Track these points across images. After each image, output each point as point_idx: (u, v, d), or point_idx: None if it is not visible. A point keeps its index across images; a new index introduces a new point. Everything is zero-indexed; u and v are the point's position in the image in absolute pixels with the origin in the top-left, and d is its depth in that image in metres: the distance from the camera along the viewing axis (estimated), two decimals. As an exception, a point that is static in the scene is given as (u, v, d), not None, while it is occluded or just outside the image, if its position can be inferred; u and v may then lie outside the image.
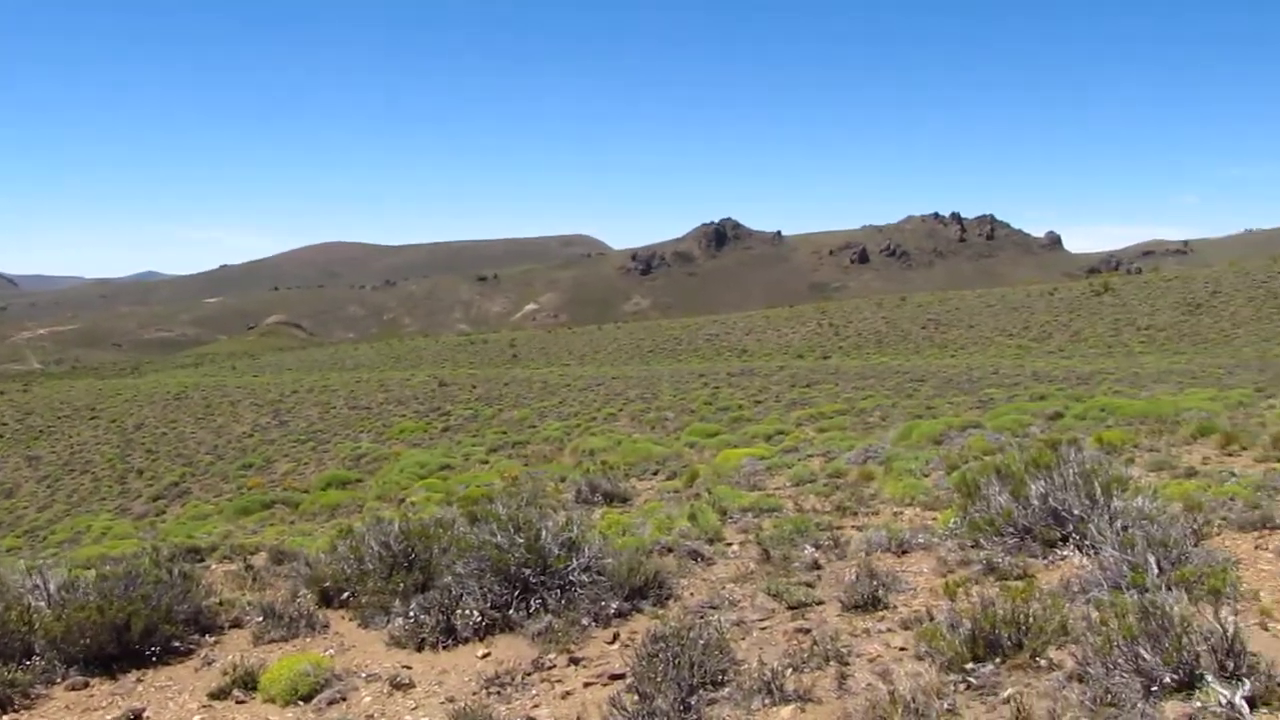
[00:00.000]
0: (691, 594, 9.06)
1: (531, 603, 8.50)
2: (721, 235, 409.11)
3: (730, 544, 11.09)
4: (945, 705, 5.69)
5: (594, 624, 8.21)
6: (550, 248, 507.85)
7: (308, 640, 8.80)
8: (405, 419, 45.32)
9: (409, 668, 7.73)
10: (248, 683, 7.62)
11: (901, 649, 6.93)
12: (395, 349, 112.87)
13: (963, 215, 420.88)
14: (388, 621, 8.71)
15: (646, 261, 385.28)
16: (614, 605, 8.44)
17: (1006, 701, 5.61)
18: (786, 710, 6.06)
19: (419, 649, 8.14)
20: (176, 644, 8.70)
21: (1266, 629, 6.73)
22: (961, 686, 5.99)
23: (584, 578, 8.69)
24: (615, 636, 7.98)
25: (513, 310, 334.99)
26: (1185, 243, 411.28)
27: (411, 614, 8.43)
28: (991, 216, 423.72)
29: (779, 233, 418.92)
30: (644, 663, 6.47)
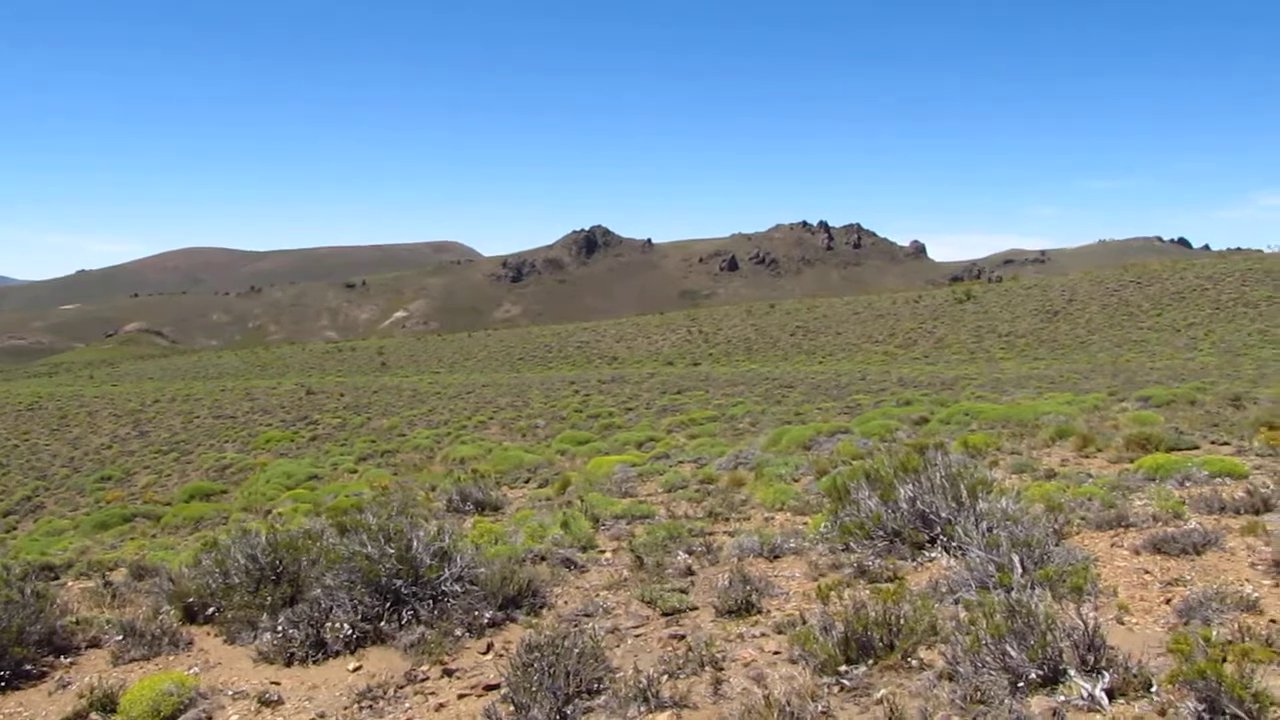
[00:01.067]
0: (566, 602, 9.01)
1: (404, 614, 8.36)
2: (592, 242, 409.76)
3: (603, 551, 11.08)
4: (819, 708, 5.74)
5: (467, 634, 8.12)
6: (420, 254, 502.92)
7: (171, 659, 8.53)
8: (271, 428, 44.37)
9: (277, 684, 7.54)
10: (106, 705, 7.34)
11: (776, 653, 6.98)
12: (261, 357, 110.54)
13: (830, 224, 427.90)
14: (255, 637, 8.49)
15: (517, 268, 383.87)
16: (488, 615, 8.36)
17: (879, 702, 5.69)
18: (663, 716, 6.06)
19: (288, 664, 7.94)
20: (29, 667, 8.34)
21: (1123, 623, 6.95)
22: (835, 689, 6.05)
23: (456, 588, 8.59)
24: (489, 646, 7.90)
25: (382, 317, 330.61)
26: (1043, 252, 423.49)
27: (280, 628, 8.22)
28: (858, 225, 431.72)
29: (649, 240, 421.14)
30: (518, 672, 6.41)
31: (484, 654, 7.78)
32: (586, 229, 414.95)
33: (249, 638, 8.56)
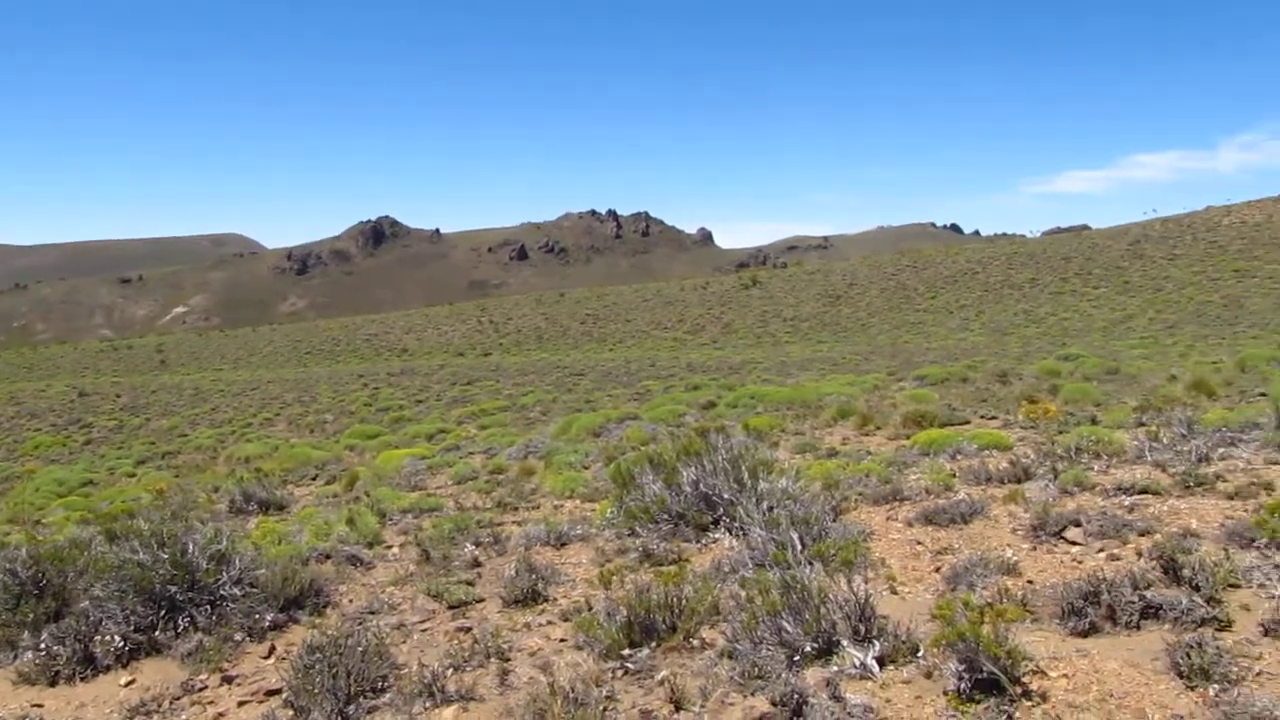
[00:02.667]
0: (351, 600, 8.84)
1: (180, 622, 8.04)
2: (379, 233, 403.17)
3: (390, 546, 10.90)
4: (604, 692, 5.78)
5: (248, 639, 7.87)
6: (199, 247, 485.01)
7: (-86, 689, 8.00)
8: (41, 433, 42.16)
9: (40, 705, 7.15)
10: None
11: (562, 640, 7.00)
12: (28, 358, 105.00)
13: (619, 212, 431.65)
14: (15, 657, 8.02)
15: (302, 261, 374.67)
16: (269, 617, 8.12)
17: (661, 683, 5.77)
18: (449, 711, 6.00)
19: (52, 684, 7.53)
20: None
21: (896, 593, 7.25)
22: (620, 673, 6.11)
23: (236, 591, 8.31)
24: (271, 650, 7.68)
25: (160, 314, 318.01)
26: (826, 238, 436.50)
27: (43, 646, 7.78)
28: (646, 214, 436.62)
29: (438, 230, 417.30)
30: (299, 675, 6.25)
31: (265, 658, 7.56)
32: (373, 220, 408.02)
33: (8, 658, 8.07)
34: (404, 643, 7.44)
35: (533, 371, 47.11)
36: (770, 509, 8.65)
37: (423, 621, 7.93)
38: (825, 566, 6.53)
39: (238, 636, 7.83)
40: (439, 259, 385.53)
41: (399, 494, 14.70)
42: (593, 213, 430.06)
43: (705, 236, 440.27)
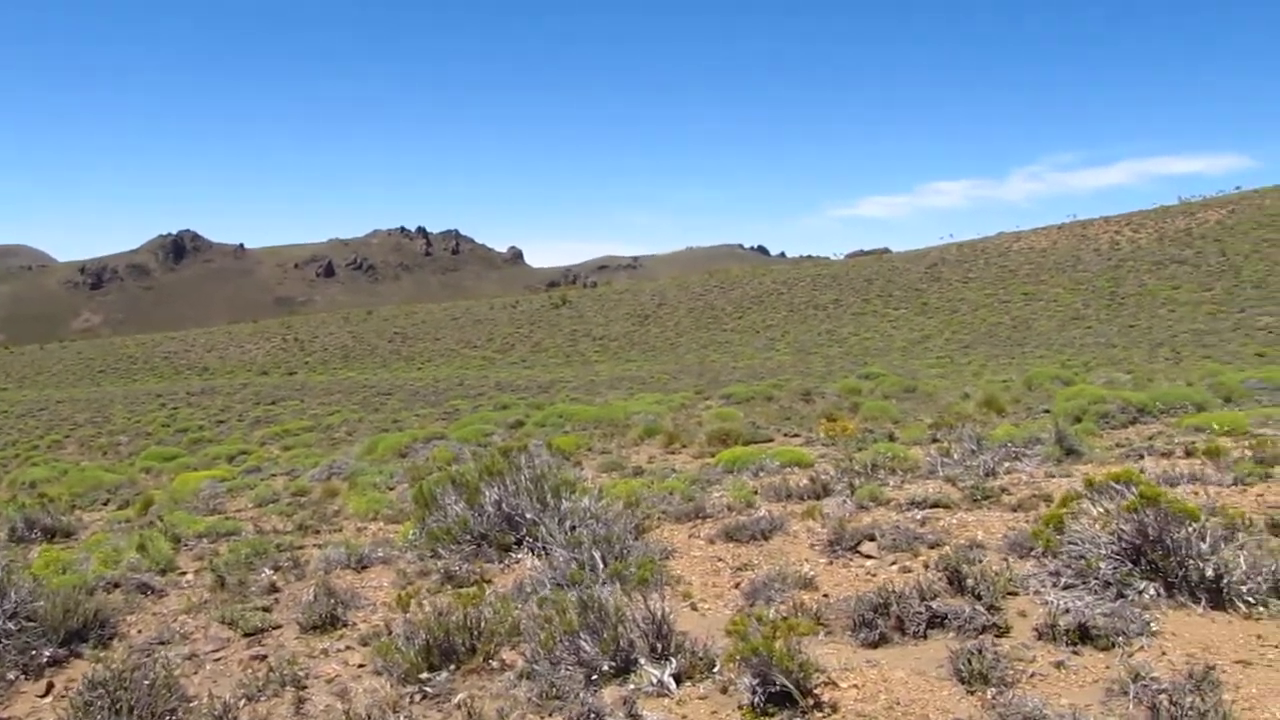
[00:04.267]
0: (140, 631, 8.47)
1: (-56, 663, 7.57)
2: (180, 247, 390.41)
3: (185, 573, 10.50)
4: (401, 718, 5.69)
5: (24, 677, 7.45)
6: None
7: None
8: None
9: None
10: None
11: (360, 666, 6.86)
12: None
13: (429, 230, 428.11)
14: None
15: (97, 275, 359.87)
16: (47, 653, 7.70)
17: (459, 706, 5.70)
18: (239, 743, 5.82)
19: None
20: None
21: (696, 609, 7.33)
22: (418, 697, 6.01)
23: (10, 626, 7.87)
24: (49, 688, 7.29)
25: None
26: (636, 258, 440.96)
27: None
28: (457, 231, 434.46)
29: (242, 245, 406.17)
30: (79, 713, 5.96)
31: (43, 696, 7.17)
32: (174, 233, 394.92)
33: None
34: (195, 674, 7.16)
35: (339, 391, 46.19)
36: (573, 528, 8.66)
37: (216, 651, 7.65)
38: (623, 585, 6.56)
39: (11, 675, 7.40)
40: (243, 275, 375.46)
41: (195, 518, 14.18)
42: (402, 230, 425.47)
43: (516, 255, 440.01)
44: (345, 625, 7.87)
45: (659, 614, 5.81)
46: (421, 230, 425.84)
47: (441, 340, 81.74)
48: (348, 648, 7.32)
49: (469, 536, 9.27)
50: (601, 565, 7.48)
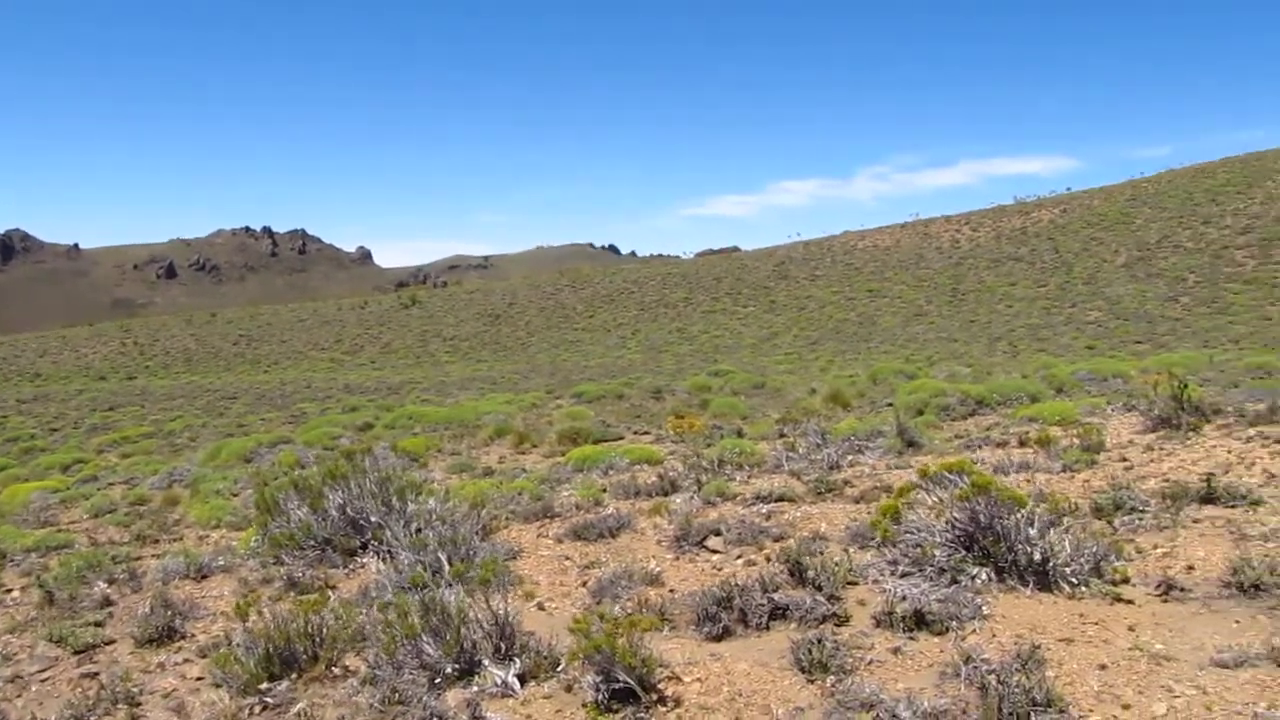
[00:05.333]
0: (-44, 655, 8.10)
1: None
2: (8, 247, 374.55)
3: (10, 590, 10.07)
4: (241, 729, 5.57)
5: None
6: None
7: None
8: None
9: None
10: None
11: (199, 679, 6.68)
12: None
13: (275, 229, 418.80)
14: None
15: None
16: None
17: (299, 716, 5.60)
18: (68, 762, 5.62)
19: None
20: None
21: (544, 609, 7.34)
22: (258, 708, 5.89)
23: None
24: None
25: None
26: (487, 258, 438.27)
27: None
28: (304, 231, 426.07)
29: (76, 245, 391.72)
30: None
31: None
32: (1, 232, 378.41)
33: None
34: (19, 696, 6.87)
35: (181, 395, 44.86)
36: (419, 530, 8.59)
37: (43, 671, 7.35)
38: (467, 587, 6.52)
39: None
40: (78, 276, 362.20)
41: (23, 532, 13.60)
42: (247, 229, 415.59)
43: (365, 255, 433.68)
44: (183, 637, 7.65)
45: (502, 614, 5.79)
46: (267, 230, 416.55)
47: (288, 342, 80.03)
48: (186, 660, 7.12)
49: (313, 542, 9.11)
50: (447, 567, 7.42)
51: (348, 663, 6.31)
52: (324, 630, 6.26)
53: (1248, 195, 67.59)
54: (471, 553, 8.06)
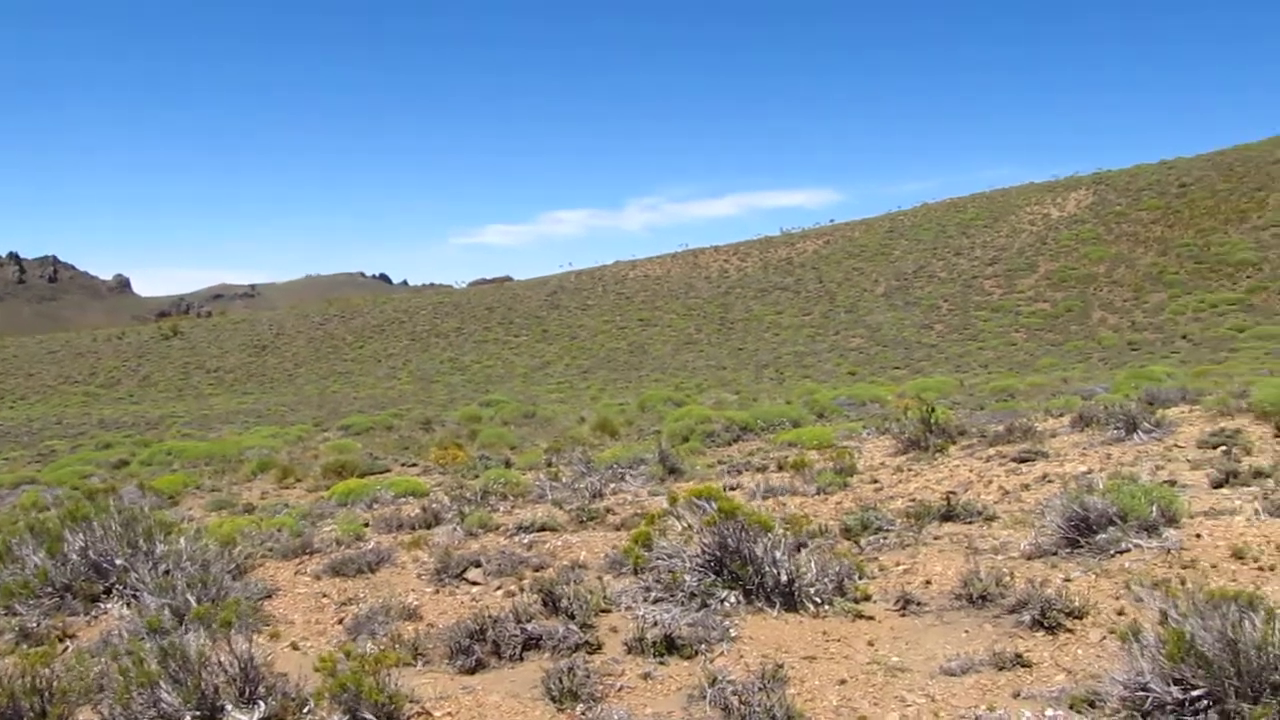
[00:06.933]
0: None
1: None
2: None
3: None
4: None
5: None
6: None
7: None
8: None
9: None
10: None
11: (-89, 745, 6.26)
12: None
13: (22, 256, 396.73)
14: None
15: None
16: None
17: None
18: None
19: None
20: None
21: (298, 648, 7.16)
22: (-21, 773, 5.56)
23: None
24: None
25: None
26: (253, 286, 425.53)
27: None
28: (55, 258, 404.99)
29: None
30: None
31: None
32: None
33: None
34: None
35: (-87, 435, 42.01)
36: (167, 572, 8.25)
37: None
38: (209, 629, 6.31)
39: None
40: None
41: None
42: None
43: (123, 284, 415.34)
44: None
45: (246, 656, 5.63)
46: (14, 256, 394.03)
47: (37, 376, 75.87)
48: (-103, 727, 6.66)
49: (50, 589, 8.63)
50: (195, 608, 7.17)
51: (82, 717, 6.00)
52: (54, 684, 5.93)
53: (995, 229, 71.64)
54: (222, 593, 7.80)
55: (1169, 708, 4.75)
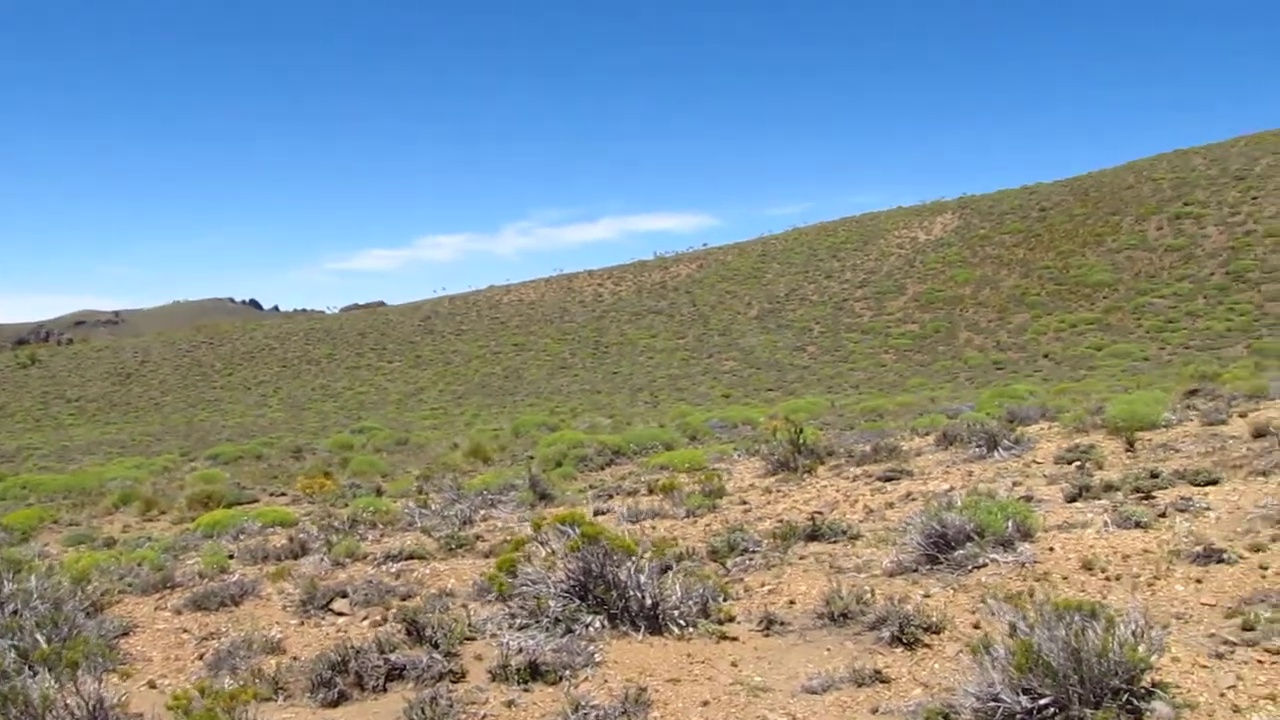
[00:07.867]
0: None
1: None
2: None
3: None
4: None
5: None
6: None
7: None
8: None
9: None
10: None
11: None
12: None
13: None
14: None
15: None
16: None
17: None
18: None
19: None
20: None
21: (155, 686, 6.98)
22: None
23: None
24: None
25: None
26: (117, 313, 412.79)
27: None
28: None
29: None
30: None
31: None
32: None
33: None
34: None
35: None
36: (15, 612, 7.98)
37: None
38: (54, 671, 6.13)
39: None
40: None
41: None
42: None
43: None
44: None
45: (95, 698, 5.48)
46: None
47: (-118, 409, 72.82)
48: None
49: (-115, 635, 8.29)
50: (40, 649, 6.95)
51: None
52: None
53: (864, 252, 73.06)
54: (75, 632, 7.56)
55: (1019, 717, 4.91)
